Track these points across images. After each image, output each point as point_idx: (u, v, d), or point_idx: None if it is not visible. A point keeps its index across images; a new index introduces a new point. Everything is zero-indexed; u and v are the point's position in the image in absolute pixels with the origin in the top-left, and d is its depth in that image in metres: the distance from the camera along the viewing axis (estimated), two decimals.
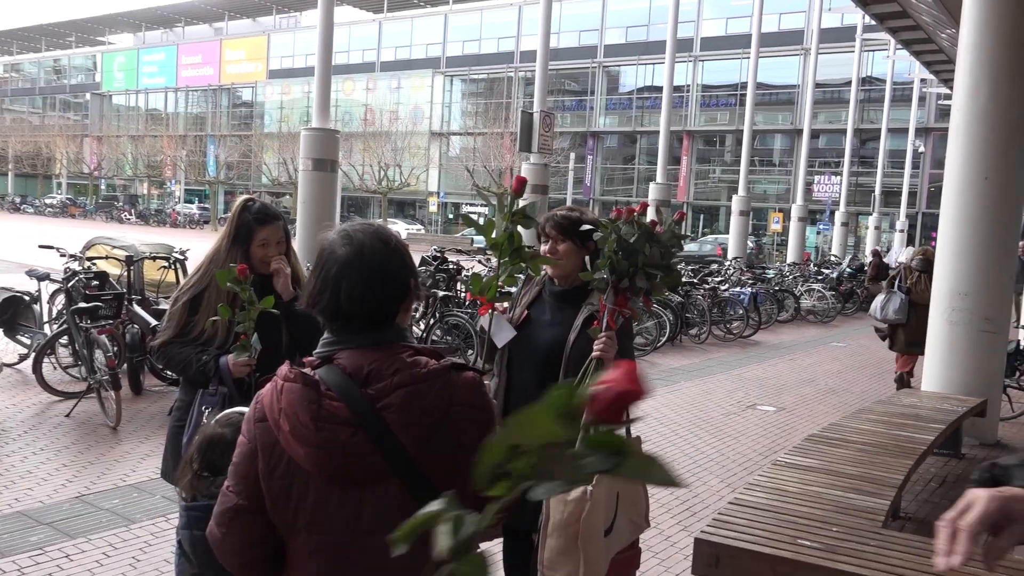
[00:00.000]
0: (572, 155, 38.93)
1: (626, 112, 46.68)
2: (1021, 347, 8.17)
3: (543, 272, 2.80)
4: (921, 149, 36.69)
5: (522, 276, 2.66)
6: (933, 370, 7.05)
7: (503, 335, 2.54)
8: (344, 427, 1.41)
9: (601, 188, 46.56)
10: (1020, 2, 6.80)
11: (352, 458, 1.41)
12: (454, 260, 11.92)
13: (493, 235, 2.24)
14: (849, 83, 32.89)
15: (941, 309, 7.00)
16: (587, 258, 2.72)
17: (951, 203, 6.94)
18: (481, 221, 2.27)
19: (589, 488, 2.36)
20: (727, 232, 32.11)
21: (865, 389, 9.44)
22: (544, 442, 0.61)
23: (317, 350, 1.53)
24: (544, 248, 2.76)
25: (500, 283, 2.28)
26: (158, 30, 64.37)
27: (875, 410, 5.92)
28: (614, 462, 0.61)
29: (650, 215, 2.74)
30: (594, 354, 2.54)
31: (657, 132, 25.35)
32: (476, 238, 28.83)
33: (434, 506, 0.69)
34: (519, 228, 2.26)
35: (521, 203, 2.31)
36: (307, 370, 1.47)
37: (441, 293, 9.78)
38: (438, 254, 11.68)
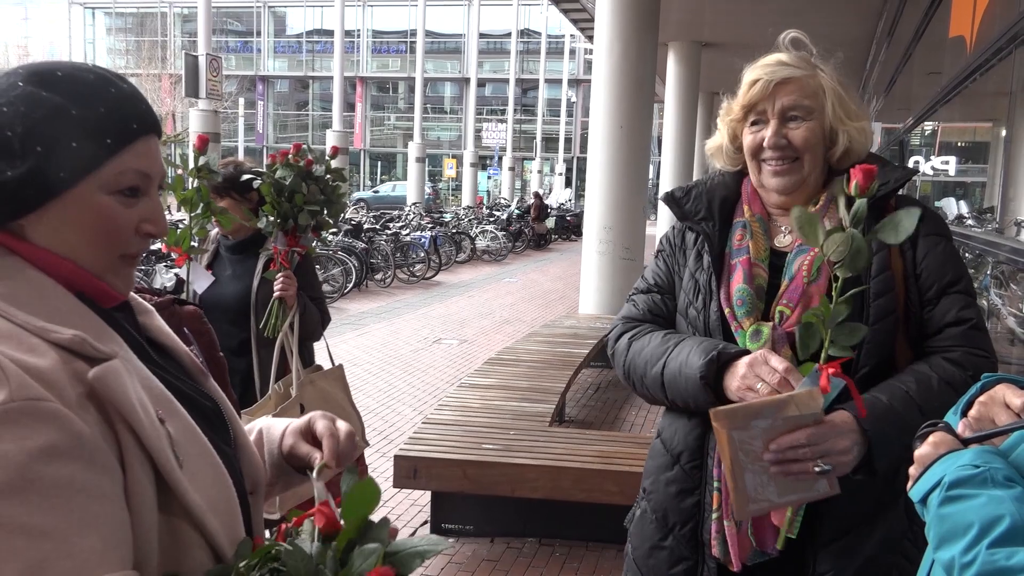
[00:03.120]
0: (241, 100, 37.07)
1: (296, 56, 45.31)
2: None
3: (212, 230, 2.87)
4: (573, 99, 40.44)
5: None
6: (587, 295, 8.10)
7: (202, 282, 2.61)
8: None
9: (275, 135, 44.94)
10: None
11: None
12: None
13: (183, 192, 2.31)
14: (510, 34, 35.08)
15: (592, 242, 8.04)
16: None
17: (596, 148, 7.94)
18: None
19: (301, 404, 2.59)
20: (405, 179, 32.96)
21: (535, 317, 10.52)
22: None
23: None
24: None
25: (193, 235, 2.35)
26: None
27: (542, 332, 6.74)
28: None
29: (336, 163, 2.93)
30: (275, 294, 2.69)
31: (330, 77, 25.08)
32: None
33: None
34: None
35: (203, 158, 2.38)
36: None
37: None
38: None
